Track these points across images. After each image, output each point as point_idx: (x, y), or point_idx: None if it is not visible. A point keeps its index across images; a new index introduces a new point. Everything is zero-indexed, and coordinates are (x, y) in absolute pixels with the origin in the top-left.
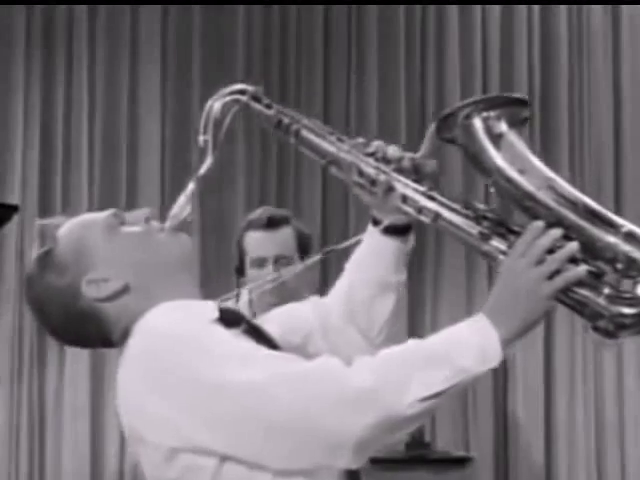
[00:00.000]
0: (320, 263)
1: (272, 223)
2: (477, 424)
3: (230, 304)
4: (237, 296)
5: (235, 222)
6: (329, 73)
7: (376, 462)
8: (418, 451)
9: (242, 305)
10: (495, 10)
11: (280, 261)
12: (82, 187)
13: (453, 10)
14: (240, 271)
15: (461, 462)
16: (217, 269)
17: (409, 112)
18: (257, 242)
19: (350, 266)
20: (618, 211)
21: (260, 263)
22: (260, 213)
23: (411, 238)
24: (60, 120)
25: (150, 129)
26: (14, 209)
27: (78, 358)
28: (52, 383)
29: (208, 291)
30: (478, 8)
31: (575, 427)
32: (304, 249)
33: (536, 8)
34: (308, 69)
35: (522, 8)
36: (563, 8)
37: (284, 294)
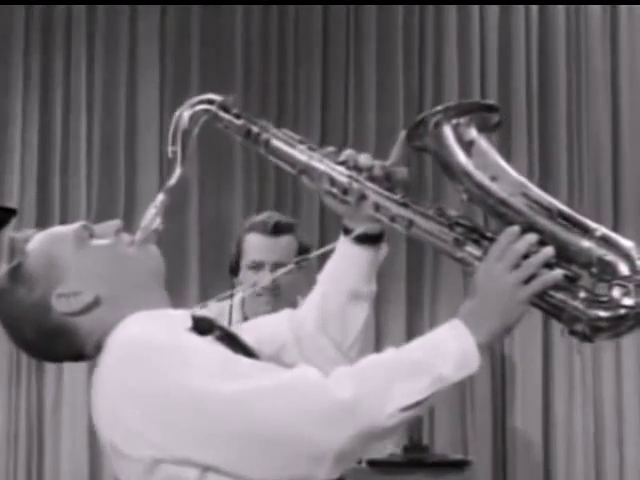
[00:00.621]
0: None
1: (277, 230)
2: (475, 427)
3: (222, 305)
4: (231, 297)
5: (233, 225)
6: (327, 73)
7: (374, 465)
8: (416, 454)
9: (235, 306)
10: (493, 10)
11: (277, 268)
12: (80, 190)
13: (451, 10)
14: (234, 271)
15: (459, 465)
16: (215, 272)
17: (407, 111)
18: (258, 246)
19: (322, 276)
20: (616, 210)
21: (257, 267)
22: (267, 217)
23: (383, 247)
24: (58, 122)
25: (148, 131)
26: (12, 213)
27: (76, 365)
28: (50, 388)
29: (206, 293)
30: (476, 8)
31: (573, 430)
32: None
33: (534, 8)
34: (306, 70)
35: (520, 8)
36: (561, 8)
37: (277, 298)
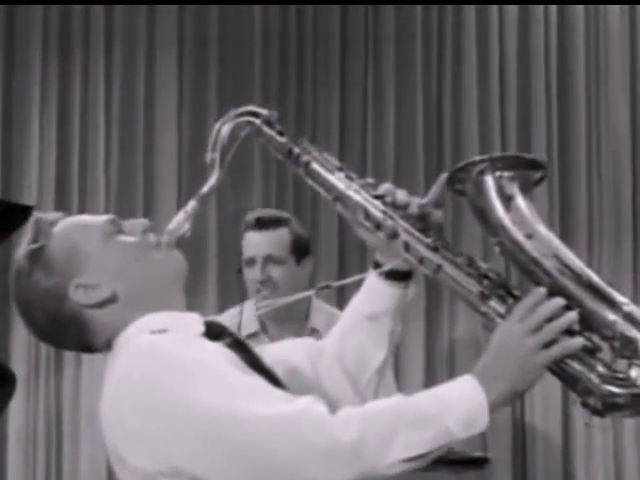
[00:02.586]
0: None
1: (261, 224)
2: (494, 425)
3: (233, 312)
4: (241, 312)
5: None
6: (346, 73)
7: None
8: None
9: (248, 317)
10: (512, 10)
11: (269, 261)
12: (99, 190)
13: (470, 10)
14: (241, 272)
15: (479, 463)
16: (234, 275)
17: (426, 109)
18: (248, 242)
19: (347, 310)
20: (635, 213)
21: (250, 262)
22: (252, 214)
23: (412, 286)
24: (77, 122)
25: (167, 131)
26: (30, 210)
27: (94, 364)
28: (69, 389)
29: (224, 296)
30: (495, 8)
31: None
32: (300, 251)
33: (553, 8)
34: (325, 69)
35: (539, 8)
36: (580, 8)
37: (274, 291)
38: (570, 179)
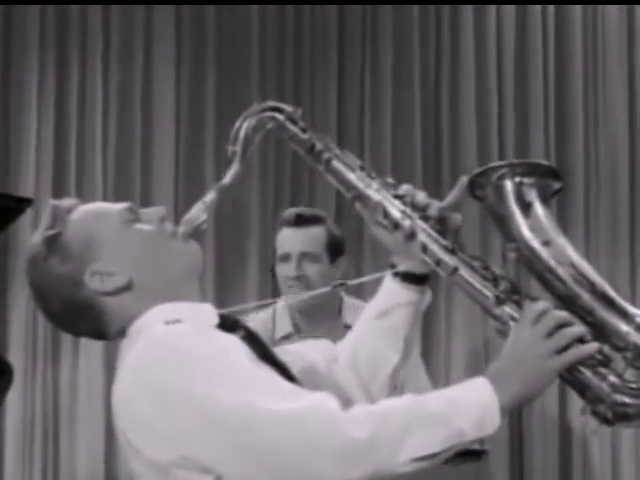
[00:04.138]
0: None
1: (299, 220)
2: None
3: (267, 313)
4: (274, 314)
5: (249, 220)
6: (343, 73)
7: None
8: None
9: (280, 319)
10: (510, 10)
11: (304, 258)
12: (96, 186)
13: (468, 10)
14: (273, 272)
15: (476, 455)
16: (232, 266)
17: (423, 108)
18: (284, 238)
19: (363, 314)
20: (632, 206)
21: (285, 258)
22: (290, 211)
23: (428, 292)
24: (74, 120)
25: (164, 128)
26: (28, 202)
27: (92, 355)
28: (66, 380)
29: (222, 289)
30: (493, 8)
31: (591, 418)
32: (334, 251)
33: (551, 8)
34: (322, 68)
35: (537, 8)
36: (578, 8)
37: (307, 288)
38: (567, 172)
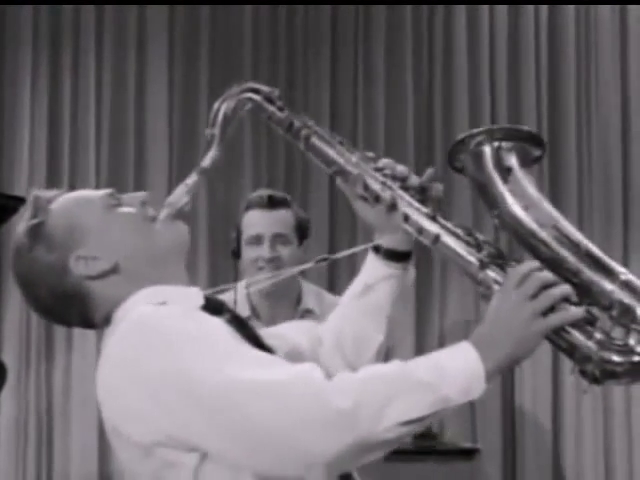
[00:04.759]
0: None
1: (272, 202)
2: (485, 416)
3: (227, 296)
4: (235, 296)
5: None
6: (336, 73)
7: None
8: (426, 442)
9: (240, 298)
10: (502, 10)
11: (277, 239)
12: (89, 186)
13: (460, 10)
14: (237, 254)
15: (468, 453)
16: (225, 255)
17: (416, 109)
18: (255, 220)
19: (345, 295)
20: (626, 211)
21: (257, 240)
22: (260, 193)
23: (411, 270)
24: (67, 121)
25: (157, 128)
26: (21, 201)
27: (86, 354)
28: (59, 377)
29: (215, 276)
30: (485, 8)
31: (582, 418)
32: (302, 232)
33: (544, 8)
34: (315, 69)
35: (530, 8)
36: (571, 8)
37: (279, 282)
38: (561, 179)
